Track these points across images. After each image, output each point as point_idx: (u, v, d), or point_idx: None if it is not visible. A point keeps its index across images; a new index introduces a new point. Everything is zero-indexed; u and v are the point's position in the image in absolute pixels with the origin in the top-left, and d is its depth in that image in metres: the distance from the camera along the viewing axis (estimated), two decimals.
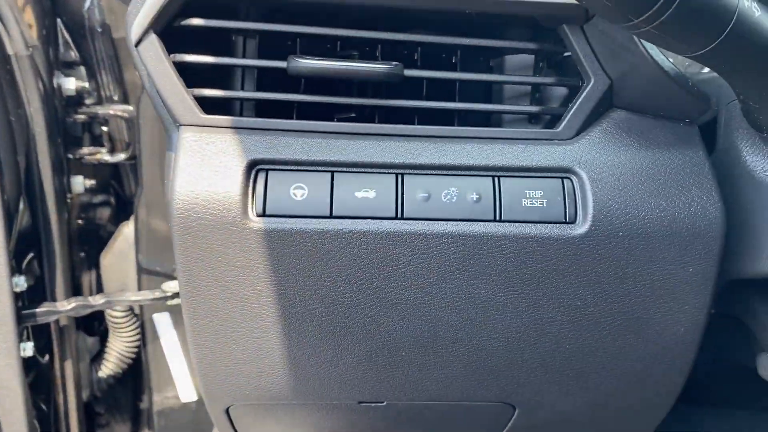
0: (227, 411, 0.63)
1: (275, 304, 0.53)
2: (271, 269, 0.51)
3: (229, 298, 0.53)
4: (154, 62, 0.51)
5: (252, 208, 0.50)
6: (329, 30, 0.53)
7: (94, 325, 1.16)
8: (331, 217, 0.51)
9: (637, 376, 0.59)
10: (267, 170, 0.51)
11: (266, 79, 0.56)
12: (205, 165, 0.51)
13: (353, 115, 0.57)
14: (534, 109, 0.55)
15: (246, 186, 0.50)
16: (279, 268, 0.51)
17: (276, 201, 0.50)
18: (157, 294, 0.96)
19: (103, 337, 1.15)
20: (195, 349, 0.56)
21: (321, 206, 0.51)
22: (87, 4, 1.00)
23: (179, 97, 0.51)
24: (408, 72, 0.53)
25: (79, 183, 1.03)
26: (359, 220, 0.51)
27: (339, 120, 0.57)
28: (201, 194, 0.50)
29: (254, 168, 0.51)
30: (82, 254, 1.11)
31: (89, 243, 1.12)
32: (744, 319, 0.63)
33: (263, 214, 0.50)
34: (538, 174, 0.52)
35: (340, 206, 0.51)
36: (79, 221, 1.09)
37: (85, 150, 1.04)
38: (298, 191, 0.51)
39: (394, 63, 0.52)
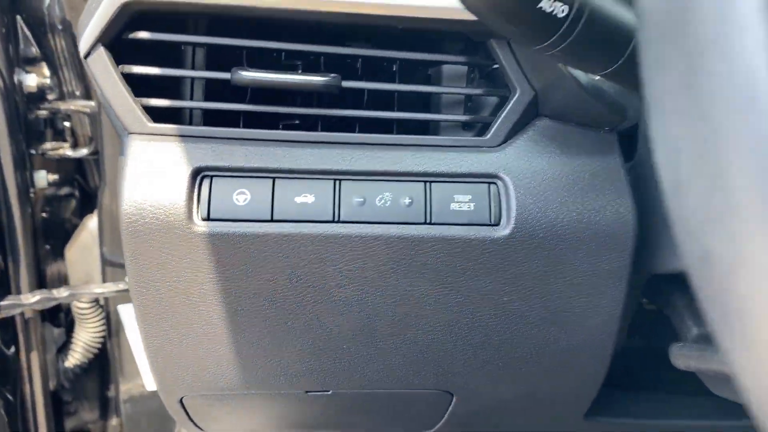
0: (181, 401, 0.66)
1: (221, 302, 0.56)
2: (216, 270, 0.55)
3: (177, 297, 0.56)
4: (103, 74, 0.54)
5: (197, 212, 0.54)
6: (270, 43, 0.56)
7: (60, 316, 1.19)
8: (272, 221, 0.54)
9: (562, 365, 0.63)
10: (211, 176, 0.54)
11: (216, 87, 0.58)
12: (153, 172, 0.53)
13: (297, 122, 0.60)
14: (464, 118, 0.59)
15: (191, 192, 0.53)
16: (224, 269, 0.55)
17: (220, 206, 0.54)
18: (121, 286, 0.99)
19: (70, 328, 1.18)
20: (147, 344, 0.59)
21: (262, 210, 0.54)
22: (47, 1, 1.01)
23: (127, 107, 0.54)
24: (346, 83, 0.56)
25: (43, 178, 1.04)
26: (298, 224, 0.54)
27: (284, 127, 0.60)
28: (148, 200, 0.53)
29: (199, 175, 0.54)
30: (48, 247, 1.13)
31: (55, 236, 1.14)
32: (665, 311, 0.68)
33: (208, 219, 0.54)
34: (467, 179, 0.56)
35: (281, 210, 0.54)
36: (44, 214, 1.11)
37: (48, 145, 1.05)
38: (241, 196, 0.54)
39: (332, 75, 0.55)
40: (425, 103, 0.63)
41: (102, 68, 0.54)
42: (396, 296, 0.57)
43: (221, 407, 0.68)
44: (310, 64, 0.61)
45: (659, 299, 0.69)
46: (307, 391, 0.65)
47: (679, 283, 0.67)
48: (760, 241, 0.23)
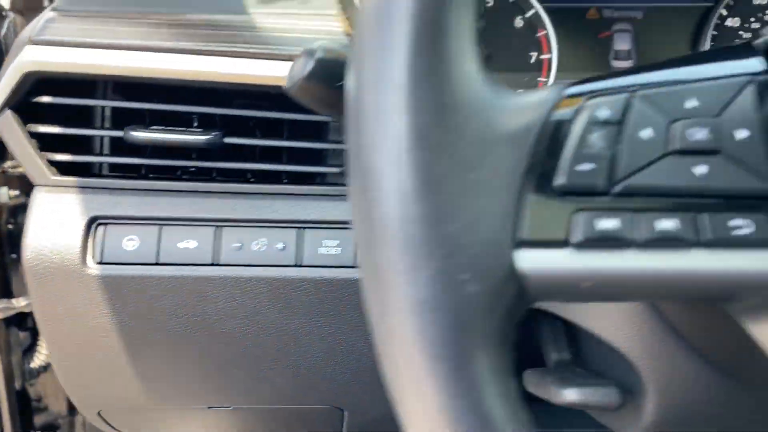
0: (100, 414, 0.74)
1: (117, 333, 0.64)
2: (110, 307, 0.62)
3: (77, 329, 0.63)
4: (10, 133, 0.61)
5: (91, 257, 0.61)
6: (156, 105, 0.62)
7: (27, 320, 1.27)
8: (157, 264, 0.61)
9: None
10: (105, 224, 0.61)
11: (123, 140, 0.65)
12: (53, 220, 0.61)
13: (193, 170, 0.67)
14: (335, 170, 0.65)
15: (86, 238, 0.61)
16: (116, 305, 0.62)
17: (111, 251, 0.61)
18: None
19: (35, 331, 1.26)
20: (56, 367, 0.67)
21: (149, 255, 0.61)
22: (3, 30, 1.08)
23: (33, 162, 0.61)
24: (228, 139, 0.63)
25: (4, 194, 1.12)
26: (181, 267, 0.61)
27: (183, 173, 0.67)
28: (48, 245, 0.60)
29: (94, 223, 0.61)
30: (14, 256, 1.21)
31: (20, 246, 1.21)
32: (538, 341, 0.75)
33: (101, 262, 0.61)
34: (336, 225, 0.63)
35: (166, 255, 0.61)
36: (9, 226, 1.18)
37: (8, 164, 1.13)
38: (130, 242, 0.61)
39: (214, 133, 0.62)
40: (317, 152, 0.70)
41: (9, 128, 0.61)
42: (273, 329, 0.65)
43: (138, 417, 0.76)
44: (206, 119, 0.67)
45: (533, 328, 0.76)
46: (209, 407, 0.73)
47: (544, 314, 0.74)
48: (398, 332, 0.30)
